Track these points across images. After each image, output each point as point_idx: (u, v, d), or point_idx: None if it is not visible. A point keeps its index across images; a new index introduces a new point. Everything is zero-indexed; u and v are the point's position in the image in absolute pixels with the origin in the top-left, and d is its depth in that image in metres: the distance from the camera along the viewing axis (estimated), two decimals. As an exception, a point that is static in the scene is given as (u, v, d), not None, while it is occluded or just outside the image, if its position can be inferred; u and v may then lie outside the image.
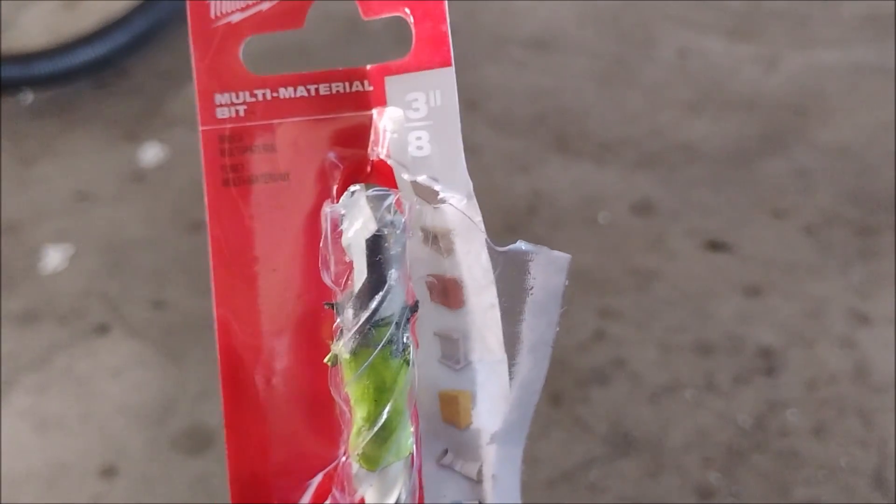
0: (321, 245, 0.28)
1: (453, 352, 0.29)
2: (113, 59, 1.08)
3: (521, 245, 0.28)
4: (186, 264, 0.80)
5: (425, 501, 0.29)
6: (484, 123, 0.96)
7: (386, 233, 0.27)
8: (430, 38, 0.29)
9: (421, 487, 0.29)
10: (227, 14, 0.29)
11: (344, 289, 0.28)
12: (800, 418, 0.65)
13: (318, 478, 0.29)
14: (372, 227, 0.27)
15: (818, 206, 0.83)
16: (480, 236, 0.28)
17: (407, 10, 0.29)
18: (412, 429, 0.28)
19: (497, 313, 0.28)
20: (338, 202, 0.28)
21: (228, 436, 0.29)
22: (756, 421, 0.65)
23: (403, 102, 0.29)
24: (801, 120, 0.94)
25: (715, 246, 0.80)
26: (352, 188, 0.28)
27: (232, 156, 0.29)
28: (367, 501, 0.28)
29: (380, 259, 0.27)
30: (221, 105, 0.29)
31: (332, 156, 0.29)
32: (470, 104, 0.98)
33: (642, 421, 0.65)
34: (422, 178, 0.28)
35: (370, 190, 0.28)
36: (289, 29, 0.30)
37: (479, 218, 0.28)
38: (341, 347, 0.27)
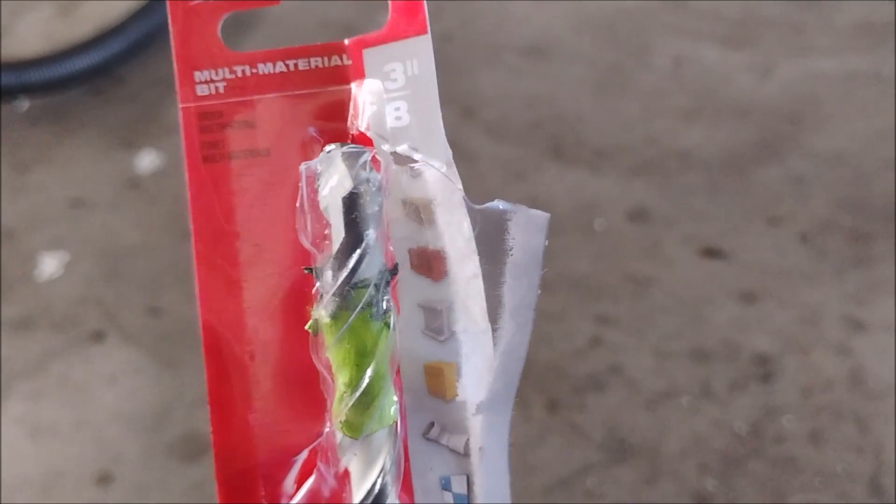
0: (297, 205, 0.28)
1: (437, 323, 0.28)
2: (109, 67, 1.07)
3: (499, 204, 0.28)
4: (182, 271, 0.80)
5: (412, 476, 0.29)
6: (480, 130, 0.96)
7: (362, 190, 0.27)
8: (405, 7, 0.29)
9: (407, 461, 0.29)
10: None
11: (322, 252, 0.28)
12: (796, 425, 0.65)
13: (304, 454, 0.29)
14: (348, 185, 0.27)
15: (813, 213, 0.83)
16: (462, 205, 0.28)
17: None
18: (396, 397, 0.28)
19: (480, 283, 0.28)
20: None
21: (212, 412, 0.29)
22: (752, 427, 0.65)
23: (381, 73, 0.29)
24: (796, 127, 0.94)
25: (710, 253, 0.80)
26: (327, 147, 0.28)
27: (212, 132, 0.29)
28: (351, 470, 0.27)
29: (356, 217, 0.27)
30: (201, 82, 0.29)
31: (312, 131, 0.29)
32: (466, 111, 0.98)
33: (639, 428, 0.65)
34: (401, 148, 0.28)
35: (345, 147, 0.27)
36: (266, 5, 0.30)
37: (459, 185, 0.28)
38: (321, 311, 0.27)
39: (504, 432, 0.29)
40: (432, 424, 0.29)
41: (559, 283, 0.77)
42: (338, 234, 0.27)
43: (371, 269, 0.27)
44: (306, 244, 0.28)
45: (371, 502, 0.27)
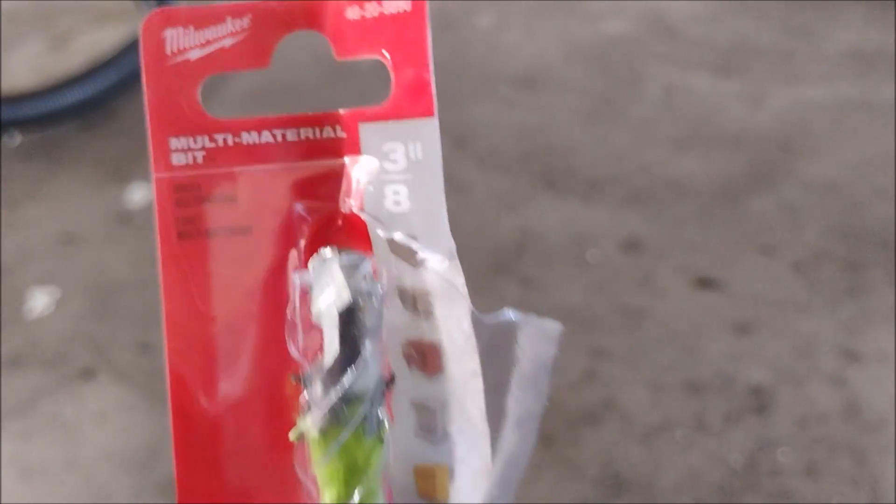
0: (288, 313, 0.26)
1: (430, 422, 0.26)
2: (100, 100, 1.08)
3: (510, 314, 0.25)
4: (174, 306, 0.80)
5: None
6: (472, 161, 0.96)
7: (361, 304, 0.25)
8: (410, 85, 0.26)
9: None
10: (185, 51, 0.27)
11: (312, 361, 0.25)
12: (791, 458, 0.64)
13: None
14: (346, 298, 0.25)
15: (806, 242, 0.83)
16: (463, 300, 0.25)
17: (385, 53, 0.26)
18: None
19: (479, 382, 0.26)
20: (306, 264, 0.26)
21: (179, 477, 0.26)
22: (747, 461, 0.64)
23: (380, 153, 0.26)
24: (788, 156, 0.95)
25: (704, 283, 0.80)
26: (322, 253, 0.25)
27: (188, 206, 0.27)
28: None
29: (354, 331, 0.25)
30: (177, 150, 0.27)
31: (299, 208, 0.27)
32: (458, 142, 0.98)
33: (633, 462, 0.65)
34: (399, 236, 0.26)
35: (343, 256, 0.25)
36: (254, 68, 0.27)
37: (461, 280, 0.25)
38: (309, 425, 0.25)
39: None
40: None
41: (552, 315, 0.76)
42: (331, 346, 0.25)
43: (366, 383, 0.25)
44: (296, 355, 0.26)
45: None
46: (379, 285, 0.25)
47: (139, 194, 0.95)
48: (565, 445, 0.66)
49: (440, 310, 0.26)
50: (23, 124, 1.04)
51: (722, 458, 0.65)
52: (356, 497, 0.25)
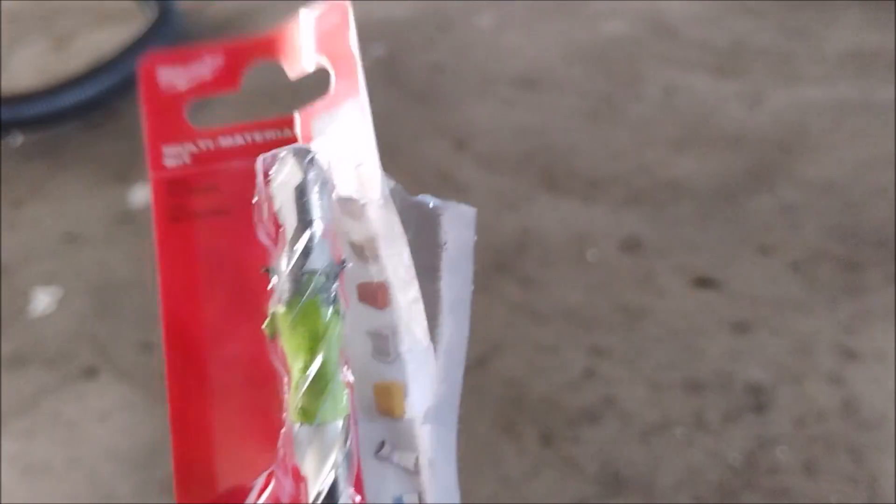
0: (254, 200, 0.31)
1: (384, 347, 0.31)
2: (102, 101, 1.08)
3: (429, 200, 0.30)
4: (175, 306, 0.80)
5: (367, 495, 0.30)
6: (472, 162, 0.96)
7: (310, 179, 0.30)
8: (343, 73, 0.32)
9: (360, 480, 0.30)
10: (174, 82, 0.34)
11: (278, 247, 0.30)
12: (789, 455, 0.65)
13: (261, 478, 0.30)
14: (298, 176, 0.30)
15: (804, 242, 0.83)
16: (400, 237, 0.30)
17: (324, 62, 0.33)
18: (347, 389, 0.30)
19: (420, 306, 0.30)
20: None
21: (174, 436, 0.31)
22: (746, 458, 0.65)
23: (326, 135, 0.32)
24: (786, 156, 0.95)
25: (703, 282, 0.80)
26: (279, 150, 0.30)
27: (179, 196, 0.33)
28: (306, 465, 0.29)
29: (306, 204, 0.29)
30: (169, 156, 0.33)
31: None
32: (458, 143, 0.99)
33: (633, 460, 0.65)
34: (343, 193, 0.30)
35: (295, 146, 0.30)
36: (227, 92, 0.35)
37: (396, 218, 0.30)
38: (276, 300, 0.29)
39: (452, 444, 0.30)
40: (383, 444, 0.31)
41: (552, 314, 0.77)
42: (291, 225, 0.30)
43: (321, 260, 0.29)
44: (263, 238, 0.31)
45: (325, 495, 0.29)
46: (323, 168, 0.30)
47: (140, 194, 0.95)
48: (565, 444, 0.66)
49: (384, 250, 0.30)
50: (24, 125, 1.05)
51: (721, 457, 0.65)
52: (317, 362, 0.29)
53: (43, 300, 0.83)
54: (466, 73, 1.12)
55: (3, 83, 1.16)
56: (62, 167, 1.01)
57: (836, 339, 0.73)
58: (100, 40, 1.22)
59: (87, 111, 1.07)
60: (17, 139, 1.06)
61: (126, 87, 1.10)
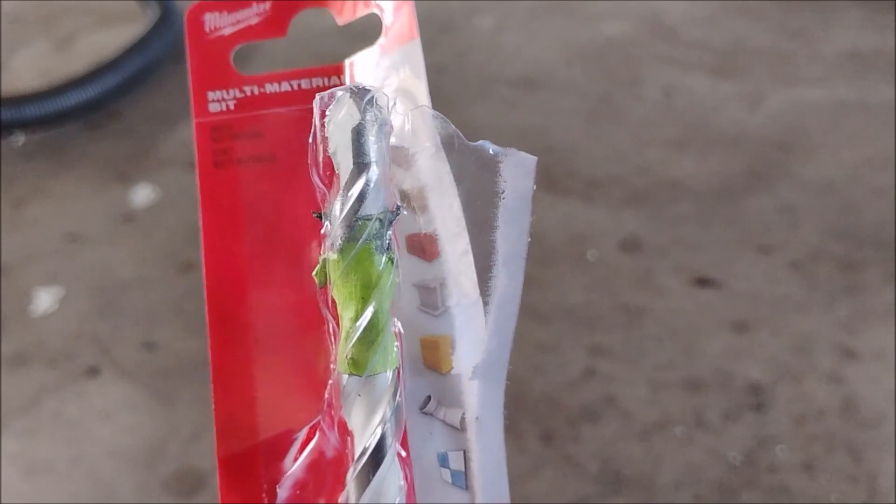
0: (310, 140, 0.30)
1: (432, 299, 0.30)
2: (104, 101, 1.08)
3: (489, 146, 0.28)
4: (178, 306, 0.80)
5: (411, 451, 0.29)
6: (472, 162, 0.96)
7: (368, 121, 0.28)
8: (395, 17, 0.32)
9: (405, 435, 0.29)
10: (220, 28, 0.34)
11: (331, 191, 0.29)
12: (789, 454, 0.65)
13: (304, 431, 0.30)
14: (356, 117, 0.28)
15: (804, 241, 0.84)
16: (451, 187, 0.29)
17: (377, 6, 0.33)
18: (397, 342, 0.29)
19: (470, 258, 0.29)
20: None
21: (215, 388, 0.30)
22: (746, 457, 0.65)
23: (376, 81, 0.32)
24: (785, 156, 0.95)
25: (702, 282, 0.80)
26: (338, 90, 0.29)
27: (222, 141, 0.32)
28: (354, 418, 0.28)
29: (364, 148, 0.28)
30: (213, 101, 0.33)
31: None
32: (458, 143, 0.99)
33: (633, 458, 0.65)
34: (392, 141, 0.29)
35: (354, 86, 0.29)
36: (273, 38, 0.34)
37: (447, 168, 0.29)
38: (328, 248, 0.28)
39: (500, 401, 0.29)
40: (429, 399, 0.29)
41: (552, 313, 0.77)
42: (346, 167, 0.28)
43: (376, 205, 0.28)
44: (316, 180, 0.30)
45: (372, 450, 0.27)
46: (383, 111, 0.29)
47: (142, 194, 0.95)
48: (565, 442, 0.67)
49: (433, 201, 0.29)
50: (26, 125, 1.05)
51: (721, 455, 0.65)
52: (370, 311, 0.27)
53: (45, 300, 0.83)
54: (467, 75, 1.12)
55: (4, 83, 1.16)
56: (64, 167, 1.01)
57: (835, 339, 0.74)
58: (101, 41, 1.22)
59: (89, 112, 1.08)
60: (18, 139, 1.06)
61: (128, 88, 1.10)
